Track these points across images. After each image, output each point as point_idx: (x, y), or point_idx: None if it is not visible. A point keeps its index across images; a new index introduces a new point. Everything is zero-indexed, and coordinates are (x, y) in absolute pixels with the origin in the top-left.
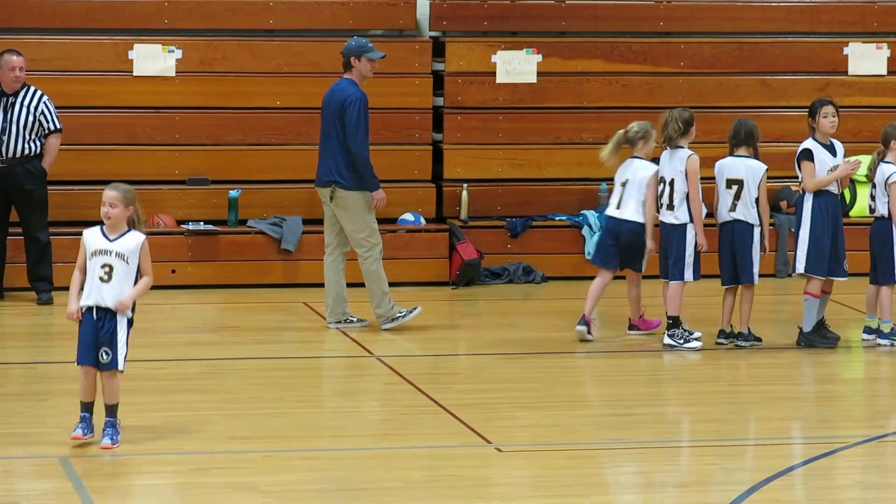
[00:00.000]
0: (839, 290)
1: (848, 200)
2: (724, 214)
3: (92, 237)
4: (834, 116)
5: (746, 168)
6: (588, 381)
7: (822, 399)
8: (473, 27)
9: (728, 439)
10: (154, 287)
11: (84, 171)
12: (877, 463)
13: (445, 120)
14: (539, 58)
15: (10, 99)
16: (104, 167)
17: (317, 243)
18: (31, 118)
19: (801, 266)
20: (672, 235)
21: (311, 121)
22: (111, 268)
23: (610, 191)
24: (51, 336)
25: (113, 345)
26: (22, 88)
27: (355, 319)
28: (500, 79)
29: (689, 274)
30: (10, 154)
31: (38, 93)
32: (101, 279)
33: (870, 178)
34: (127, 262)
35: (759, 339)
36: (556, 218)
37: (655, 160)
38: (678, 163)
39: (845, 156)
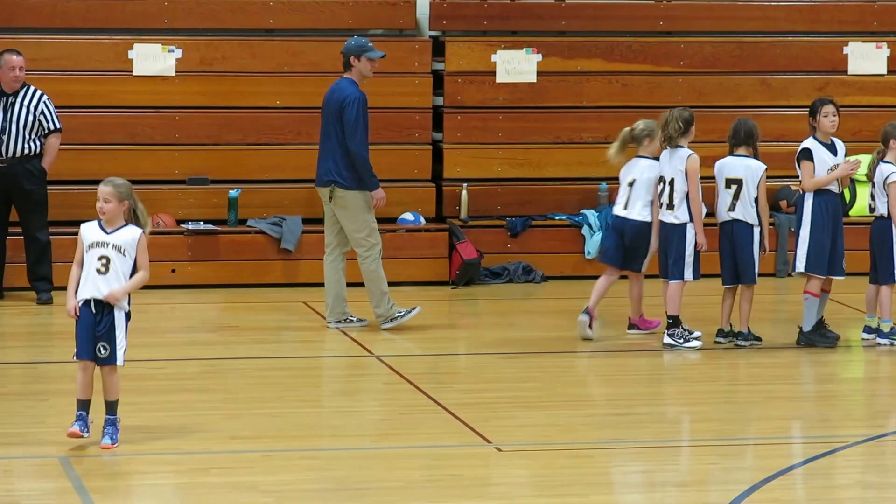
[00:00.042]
0: (839, 290)
1: (848, 200)
2: (723, 214)
3: (89, 230)
4: (834, 116)
5: (746, 168)
6: (588, 381)
7: (822, 398)
8: (473, 27)
9: (728, 439)
10: (154, 287)
11: (84, 170)
12: (876, 462)
13: (445, 119)
14: (539, 57)
15: (10, 99)
16: (104, 167)
17: (317, 243)
18: (30, 118)
19: (801, 265)
20: (672, 235)
21: (310, 120)
22: (108, 260)
23: (610, 190)
24: (50, 336)
25: (111, 339)
26: (22, 88)
27: (355, 319)
28: (499, 78)
29: (688, 273)
30: (10, 154)
31: (38, 92)
32: (99, 271)
33: (870, 177)
34: (124, 255)
35: (758, 339)
36: (556, 217)
37: (656, 159)
38: (678, 162)
39: (846, 155)
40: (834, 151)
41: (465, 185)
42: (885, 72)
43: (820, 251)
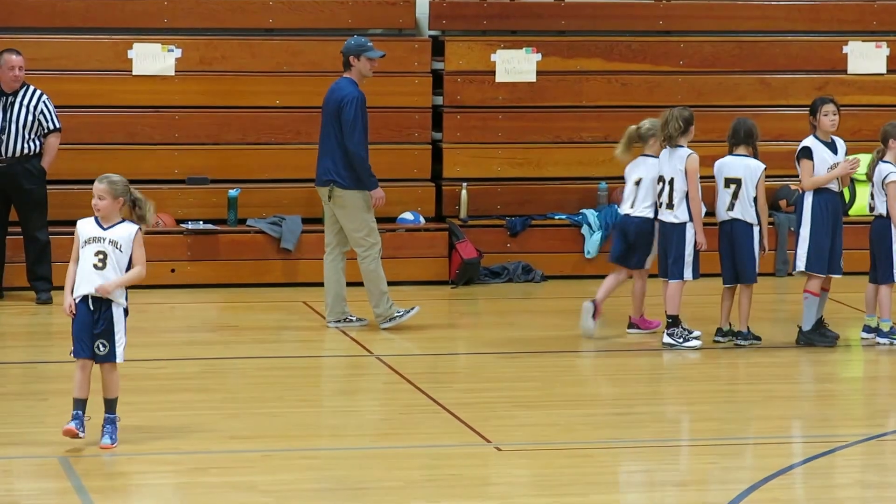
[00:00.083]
0: (839, 290)
1: (847, 199)
2: (722, 214)
3: (85, 226)
4: (835, 115)
5: (745, 167)
6: (587, 380)
7: (822, 398)
8: (473, 26)
9: (727, 438)
10: (154, 286)
11: (83, 170)
12: (876, 462)
13: (445, 119)
14: (538, 57)
15: (10, 98)
16: (104, 166)
17: (316, 242)
18: (30, 117)
19: (801, 264)
20: (672, 234)
21: (310, 120)
22: (105, 255)
23: (609, 189)
24: (50, 335)
25: (110, 337)
26: (21, 88)
27: (355, 319)
28: (499, 78)
29: (688, 273)
30: (10, 153)
31: (38, 92)
32: (96, 266)
33: (869, 176)
34: (120, 251)
35: (758, 338)
36: (556, 217)
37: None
38: (678, 162)
39: (847, 154)
40: (835, 150)
41: (464, 184)
42: (884, 71)
43: (820, 250)
